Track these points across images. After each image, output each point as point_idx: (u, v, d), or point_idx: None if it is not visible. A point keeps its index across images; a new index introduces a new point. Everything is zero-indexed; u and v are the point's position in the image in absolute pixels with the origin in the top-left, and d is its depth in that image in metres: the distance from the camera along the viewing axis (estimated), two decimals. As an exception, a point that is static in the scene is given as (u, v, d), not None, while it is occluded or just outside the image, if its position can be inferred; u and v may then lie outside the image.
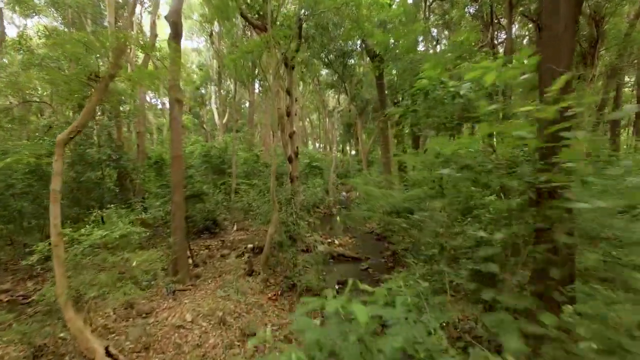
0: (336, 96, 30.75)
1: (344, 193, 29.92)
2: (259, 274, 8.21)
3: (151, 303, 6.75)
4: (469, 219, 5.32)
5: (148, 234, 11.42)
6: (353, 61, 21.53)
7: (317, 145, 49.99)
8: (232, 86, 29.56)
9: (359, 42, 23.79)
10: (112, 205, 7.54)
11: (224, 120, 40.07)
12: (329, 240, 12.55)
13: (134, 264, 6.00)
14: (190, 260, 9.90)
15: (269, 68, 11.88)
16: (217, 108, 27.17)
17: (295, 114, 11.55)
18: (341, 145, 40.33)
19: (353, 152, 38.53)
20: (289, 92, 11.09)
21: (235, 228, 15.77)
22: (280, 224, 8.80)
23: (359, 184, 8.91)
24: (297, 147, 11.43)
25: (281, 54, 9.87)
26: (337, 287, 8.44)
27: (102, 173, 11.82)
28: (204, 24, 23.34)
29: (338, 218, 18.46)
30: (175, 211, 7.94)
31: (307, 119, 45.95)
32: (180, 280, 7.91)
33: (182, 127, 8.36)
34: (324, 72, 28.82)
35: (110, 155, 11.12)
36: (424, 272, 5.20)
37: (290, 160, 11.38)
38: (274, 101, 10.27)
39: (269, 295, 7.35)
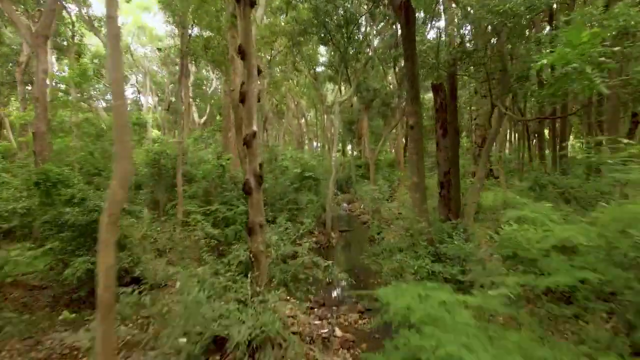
0: (336, 87, 25.10)
1: (344, 205, 24.21)
2: None
3: None
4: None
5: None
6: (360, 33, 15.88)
7: (314, 144, 44.37)
8: (203, 71, 24.03)
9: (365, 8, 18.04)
10: None
11: (203, 119, 34.08)
12: (325, 332, 6.93)
13: None
14: None
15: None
16: (182, 100, 21.48)
17: (259, 100, 5.91)
18: (341, 144, 34.61)
19: (355, 153, 32.79)
20: (242, 53, 5.41)
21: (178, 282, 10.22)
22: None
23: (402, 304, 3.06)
24: (260, 165, 5.77)
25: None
26: None
27: None
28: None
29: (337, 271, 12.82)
30: None
31: (303, 117, 40.22)
32: None
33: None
34: (322, 59, 23.25)
35: None
36: None
37: (247, 190, 5.73)
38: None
39: None
